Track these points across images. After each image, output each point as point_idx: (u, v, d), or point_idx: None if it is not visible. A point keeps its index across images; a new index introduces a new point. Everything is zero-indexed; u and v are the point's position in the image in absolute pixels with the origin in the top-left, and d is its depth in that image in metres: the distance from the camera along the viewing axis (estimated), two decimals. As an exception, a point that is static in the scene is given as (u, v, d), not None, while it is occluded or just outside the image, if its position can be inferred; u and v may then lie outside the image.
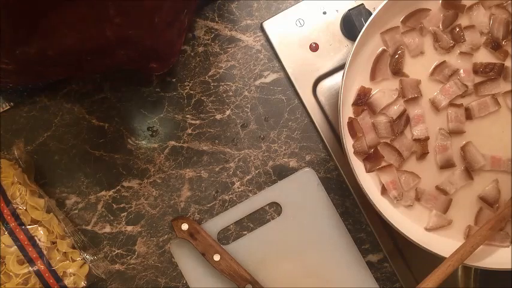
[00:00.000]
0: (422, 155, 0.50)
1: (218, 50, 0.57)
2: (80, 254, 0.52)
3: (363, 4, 0.54)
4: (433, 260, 0.47)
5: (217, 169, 0.56)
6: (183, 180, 0.56)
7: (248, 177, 0.57)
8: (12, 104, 0.53)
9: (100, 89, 0.56)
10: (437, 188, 0.50)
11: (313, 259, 0.56)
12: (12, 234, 0.49)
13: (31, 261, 0.49)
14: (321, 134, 0.57)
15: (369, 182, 0.50)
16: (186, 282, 0.55)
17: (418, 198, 0.50)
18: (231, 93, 0.57)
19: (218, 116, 0.57)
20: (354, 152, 0.50)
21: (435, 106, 0.50)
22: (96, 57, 0.44)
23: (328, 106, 0.57)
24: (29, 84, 0.52)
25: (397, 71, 0.50)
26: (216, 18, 0.57)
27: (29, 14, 0.36)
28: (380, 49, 0.50)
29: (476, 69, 0.50)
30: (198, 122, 0.57)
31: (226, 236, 0.56)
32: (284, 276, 0.55)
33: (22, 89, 0.52)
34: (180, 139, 0.56)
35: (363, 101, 0.50)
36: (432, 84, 0.50)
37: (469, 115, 0.50)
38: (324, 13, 0.57)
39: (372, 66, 0.50)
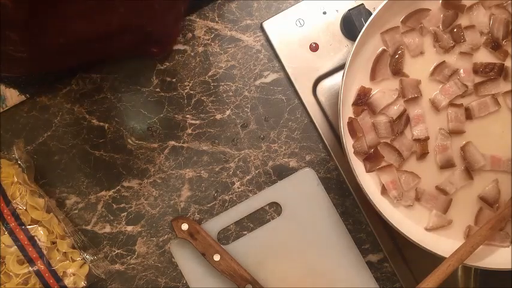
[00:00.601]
0: (422, 155, 0.50)
1: (218, 50, 0.57)
2: (80, 254, 0.52)
3: (363, 4, 0.54)
4: (433, 260, 0.47)
5: (217, 169, 0.56)
6: (183, 180, 0.56)
7: (248, 177, 0.57)
8: (28, 95, 0.55)
9: (100, 89, 0.56)
10: (437, 188, 0.50)
11: (313, 259, 0.55)
12: (12, 234, 0.49)
13: (31, 261, 0.49)
14: (321, 134, 0.57)
15: (369, 182, 0.50)
16: (186, 282, 0.55)
17: (418, 198, 0.50)
18: (231, 93, 0.57)
19: (218, 116, 0.57)
20: (354, 152, 0.50)
21: (435, 106, 0.50)
22: (104, 42, 0.49)
23: (328, 106, 0.57)
24: (40, 74, 0.55)
25: (397, 71, 0.50)
26: (216, 18, 0.57)
27: (41, 6, 0.40)
28: (380, 49, 0.50)
29: (476, 69, 0.50)
30: (198, 122, 0.57)
31: (226, 236, 0.56)
32: (284, 276, 0.55)
33: (34, 81, 0.55)
34: (180, 139, 0.56)
35: (363, 101, 0.50)
36: (432, 84, 0.50)
37: (469, 115, 0.50)
38: (324, 13, 0.57)
39: (372, 66, 0.50)
